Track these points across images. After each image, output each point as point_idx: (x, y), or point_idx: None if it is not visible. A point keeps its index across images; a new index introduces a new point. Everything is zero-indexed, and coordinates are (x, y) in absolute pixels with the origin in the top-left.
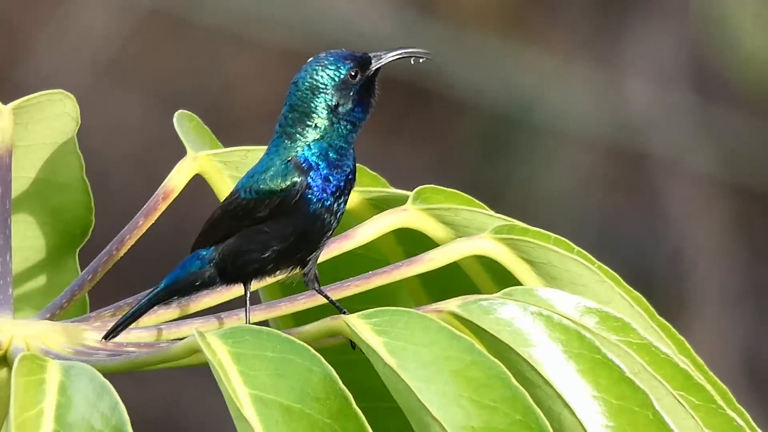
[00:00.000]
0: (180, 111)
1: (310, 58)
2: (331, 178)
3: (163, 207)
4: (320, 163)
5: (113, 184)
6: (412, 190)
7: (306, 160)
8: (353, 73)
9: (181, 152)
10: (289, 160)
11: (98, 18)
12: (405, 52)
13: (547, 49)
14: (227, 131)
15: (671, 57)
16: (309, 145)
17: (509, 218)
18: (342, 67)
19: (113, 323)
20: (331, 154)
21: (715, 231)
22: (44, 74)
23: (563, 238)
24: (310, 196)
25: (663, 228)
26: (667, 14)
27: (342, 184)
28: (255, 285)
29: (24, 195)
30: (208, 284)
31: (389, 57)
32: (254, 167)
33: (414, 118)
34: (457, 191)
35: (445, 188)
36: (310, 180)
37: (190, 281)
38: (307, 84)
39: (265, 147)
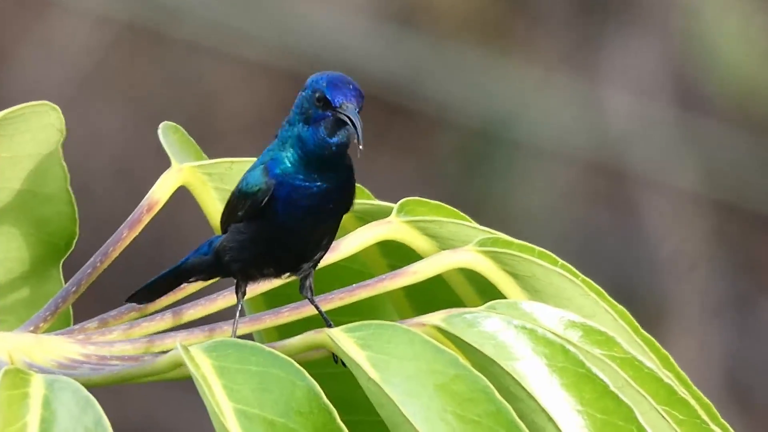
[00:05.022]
0: (165, 122)
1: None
2: (302, 189)
3: (147, 219)
4: (290, 172)
5: (94, 196)
6: (395, 203)
7: (275, 166)
8: (318, 97)
9: (162, 163)
10: (263, 164)
11: (78, 30)
12: (353, 128)
13: (528, 61)
14: (207, 143)
15: (652, 70)
16: (283, 153)
17: (494, 231)
18: (311, 87)
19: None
20: (306, 166)
21: (695, 244)
22: (25, 86)
23: (547, 252)
24: (276, 204)
25: (644, 241)
26: (648, 27)
27: (321, 197)
28: (250, 291)
29: (8, 206)
30: (211, 272)
31: (346, 113)
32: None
33: (395, 131)
34: (442, 203)
35: (429, 200)
36: (276, 188)
37: (196, 265)
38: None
39: (249, 158)
